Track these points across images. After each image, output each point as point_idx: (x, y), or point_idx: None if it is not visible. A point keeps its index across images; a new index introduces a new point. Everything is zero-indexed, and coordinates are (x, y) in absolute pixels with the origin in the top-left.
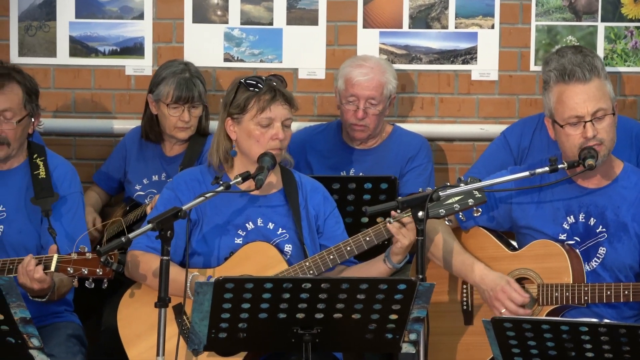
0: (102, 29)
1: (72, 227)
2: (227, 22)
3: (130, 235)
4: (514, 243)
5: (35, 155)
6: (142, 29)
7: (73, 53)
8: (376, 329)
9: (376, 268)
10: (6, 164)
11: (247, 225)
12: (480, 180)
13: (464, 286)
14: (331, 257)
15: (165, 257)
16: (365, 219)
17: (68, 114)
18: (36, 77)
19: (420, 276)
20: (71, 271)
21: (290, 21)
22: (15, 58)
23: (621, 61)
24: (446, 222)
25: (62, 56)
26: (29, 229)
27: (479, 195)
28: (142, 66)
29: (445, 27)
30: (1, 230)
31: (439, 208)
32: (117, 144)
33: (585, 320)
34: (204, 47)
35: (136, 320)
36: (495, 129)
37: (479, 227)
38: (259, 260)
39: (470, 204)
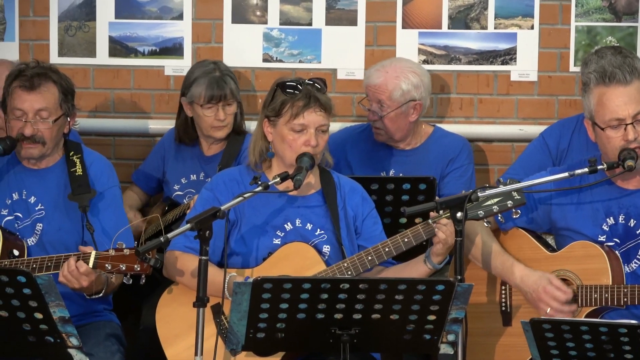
0: (141, 29)
1: (111, 223)
2: (266, 23)
3: (169, 235)
4: (553, 244)
5: (71, 153)
6: (182, 30)
7: (112, 53)
8: (414, 329)
9: (416, 269)
10: (42, 162)
11: (285, 225)
12: (519, 182)
13: (503, 287)
14: (369, 258)
15: (203, 257)
16: (403, 220)
17: (107, 114)
18: (75, 77)
19: (459, 277)
20: (109, 267)
21: (329, 21)
22: (55, 58)
23: None
24: (485, 224)
25: (102, 56)
26: (68, 226)
27: (518, 197)
28: (181, 66)
29: (484, 27)
30: (40, 228)
31: (477, 210)
32: (156, 144)
33: (624, 321)
34: (243, 47)
35: (175, 320)
36: (534, 129)
37: (517, 228)
38: (297, 261)
39: (509, 205)
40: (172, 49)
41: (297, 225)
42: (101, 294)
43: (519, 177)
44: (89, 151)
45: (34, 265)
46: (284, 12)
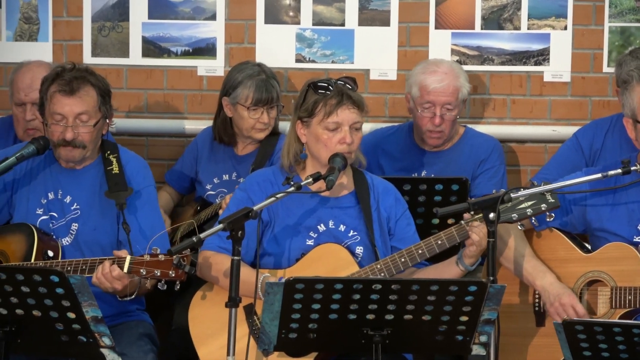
0: (174, 30)
1: (147, 222)
2: (299, 23)
3: (202, 235)
4: (588, 245)
5: (107, 152)
6: (215, 30)
7: (146, 53)
8: (446, 330)
9: (448, 270)
10: (80, 164)
11: (318, 226)
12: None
13: None
14: (402, 260)
15: (236, 258)
16: (436, 221)
17: (140, 114)
18: (109, 77)
19: (491, 278)
20: (144, 273)
21: (362, 22)
22: (88, 58)
23: None
24: (519, 227)
25: (135, 57)
26: (103, 226)
27: (552, 201)
28: (214, 67)
29: (517, 28)
30: (76, 228)
31: (511, 213)
32: (189, 144)
33: None
34: (275, 48)
35: (207, 320)
36: (567, 130)
37: (552, 228)
38: (330, 262)
39: (543, 209)
40: (205, 50)
41: (330, 226)
42: (133, 296)
43: (552, 178)
44: (125, 150)
45: (68, 268)
46: (316, 12)
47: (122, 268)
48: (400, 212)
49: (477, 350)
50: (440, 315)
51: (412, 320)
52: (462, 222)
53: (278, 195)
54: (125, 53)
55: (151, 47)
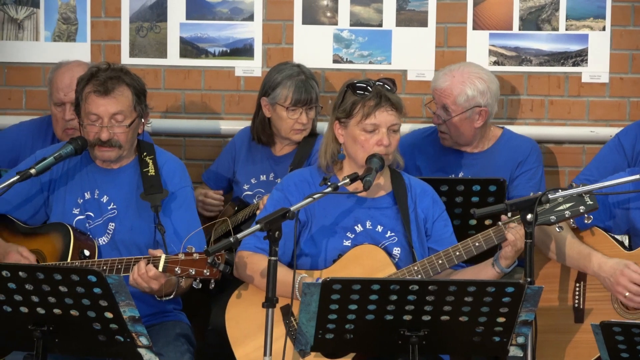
0: (212, 30)
1: (182, 223)
2: (336, 24)
3: (239, 235)
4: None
5: (144, 154)
6: (252, 30)
7: (183, 54)
8: (483, 331)
9: (484, 272)
10: (116, 163)
11: (355, 227)
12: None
13: (577, 284)
14: (440, 261)
15: (272, 258)
16: (473, 222)
17: (178, 115)
18: (146, 77)
19: (529, 279)
20: (179, 271)
21: (400, 23)
22: (126, 59)
23: None
24: (557, 229)
25: (173, 57)
26: (140, 226)
27: (590, 202)
28: (252, 67)
29: (555, 28)
30: (112, 227)
31: (549, 215)
32: (227, 144)
33: None
34: (313, 48)
35: (244, 320)
36: (605, 131)
37: (595, 227)
38: (368, 263)
39: (581, 211)
40: (242, 50)
41: (367, 227)
42: (171, 296)
43: (593, 179)
44: (162, 151)
45: (104, 267)
46: (354, 13)
47: (157, 267)
48: (437, 213)
49: (514, 351)
50: (478, 317)
51: (449, 321)
52: (500, 223)
53: (315, 196)
54: (162, 53)
55: (189, 48)
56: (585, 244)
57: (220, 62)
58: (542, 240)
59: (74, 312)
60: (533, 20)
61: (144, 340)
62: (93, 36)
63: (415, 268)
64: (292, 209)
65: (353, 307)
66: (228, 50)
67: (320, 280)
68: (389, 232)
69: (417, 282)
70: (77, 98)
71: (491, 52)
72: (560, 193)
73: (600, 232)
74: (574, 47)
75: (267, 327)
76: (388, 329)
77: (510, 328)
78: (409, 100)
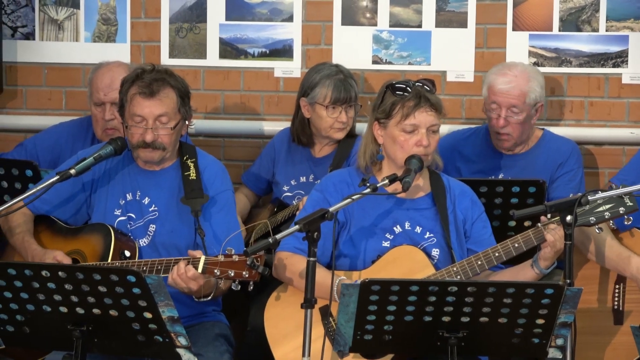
0: (251, 31)
1: (222, 227)
2: (376, 25)
3: (278, 236)
4: None
5: (186, 157)
6: (292, 31)
7: (223, 55)
8: (522, 333)
9: (523, 273)
10: (158, 165)
11: (394, 228)
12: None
13: (617, 286)
14: (479, 262)
15: (311, 259)
16: (512, 223)
17: (217, 116)
18: (186, 78)
19: (568, 281)
20: (218, 273)
21: (439, 24)
22: (165, 60)
23: None
24: (596, 231)
25: (212, 58)
26: (180, 228)
27: (631, 204)
28: (291, 68)
29: (595, 30)
30: (153, 229)
31: (589, 216)
32: (266, 145)
33: None
34: (352, 49)
35: (283, 321)
36: None
37: (635, 229)
38: (406, 264)
39: (621, 212)
40: (282, 51)
41: (406, 228)
42: (209, 297)
43: (631, 181)
44: (203, 154)
45: (144, 268)
46: (393, 14)
47: (196, 268)
48: (476, 215)
49: (553, 353)
50: (517, 318)
51: (487, 322)
52: (539, 224)
53: (354, 197)
54: (202, 54)
55: (228, 49)
56: (625, 245)
57: (260, 63)
58: (581, 241)
59: (113, 312)
60: (573, 21)
61: (182, 341)
62: (133, 37)
63: (455, 269)
64: (331, 209)
65: (392, 308)
66: (267, 51)
67: (358, 282)
68: (427, 233)
69: (456, 283)
70: (121, 99)
71: (531, 53)
72: (600, 195)
73: (639, 232)
74: (614, 48)
75: (305, 327)
76: (427, 330)
77: (550, 330)
78: (449, 101)
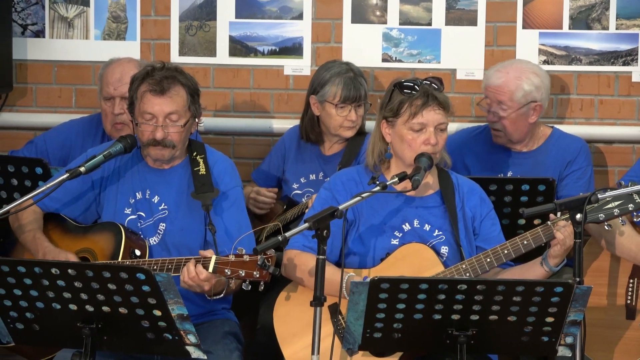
0: (261, 29)
1: (233, 223)
2: (385, 23)
3: (287, 234)
4: None
5: (195, 153)
6: (301, 29)
7: (232, 53)
8: (532, 331)
9: (533, 271)
10: (168, 163)
11: (403, 226)
12: None
13: (631, 280)
14: (488, 260)
15: (321, 257)
16: (522, 221)
17: (227, 113)
18: (196, 76)
19: (578, 279)
20: (228, 273)
21: (449, 22)
22: (175, 57)
23: None
24: (606, 227)
25: (222, 56)
26: (190, 226)
27: (639, 200)
28: (301, 66)
29: (605, 28)
30: (163, 228)
31: (598, 213)
32: (276, 143)
33: None
34: (362, 47)
35: (292, 319)
36: None
37: None
38: (415, 261)
39: (630, 209)
40: (291, 49)
41: (415, 225)
42: (221, 296)
43: (639, 179)
44: (212, 151)
45: (154, 267)
46: (403, 12)
47: (207, 268)
48: (485, 212)
49: (562, 351)
50: (526, 316)
51: (497, 320)
52: (549, 222)
53: (364, 195)
54: (212, 52)
55: (238, 47)
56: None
57: (270, 61)
58: (598, 232)
59: (122, 310)
60: (583, 20)
61: (192, 338)
62: (143, 35)
63: (464, 266)
64: (340, 207)
65: (401, 306)
66: (277, 49)
67: (368, 279)
68: (436, 230)
69: (465, 281)
70: (131, 97)
71: (541, 51)
72: (610, 193)
73: None
74: (624, 47)
75: (315, 325)
76: (436, 328)
77: (559, 328)
78: (458, 99)
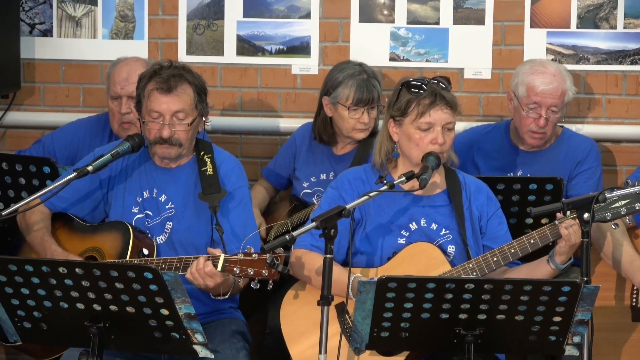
0: (269, 28)
1: (239, 223)
2: (393, 22)
3: (295, 233)
4: None
5: (202, 153)
6: (309, 28)
7: (240, 52)
8: (539, 330)
9: (539, 269)
10: (175, 162)
11: (410, 225)
12: None
13: None
14: (495, 259)
15: (328, 256)
16: (529, 220)
17: (234, 112)
18: (203, 75)
19: (585, 278)
20: (237, 271)
21: (457, 21)
22: (183, 56)
23: None
24: (612, 226)
25: (230, 55)
26: (197, 226)
27: None
28: (309, 65)
29: (613, 27)
30: (170, 227)
31: (605, 212)
32: (286, 141)
33: None
34: (370, 46)
35: (299, 318)
36: None
37: None
38: (422, 260)
39: (637, 207)
40: (299, 48)
41: (422, 224)
42: (226, 296)
43: None
44: (219, 150)
45: (163, 266)
46: (411, 11)
47: (215, 266)
48: (492, 211)
49: (570, 350)
50: (533, 316)
51: (504, 320)
52: (556, 221)
53: (371, 194)
54: (219, 51)
55: (246, 46)
56: None
57: (277, 60)
58: (595, 239)
59: (130, 309)
60: (591, 19)
61: (199, 337)
62: (150, 34)
63: (470, 265)
64: (348, 206)
65: (408, 305)
66: (285, 48)
67: (375, 279)
68: (443, 229)
69: (473, 280)
70: (138, 95)
71: (549, 51)
72: (617, 192)
73: None
74: (632, 46)
75: (322, 324)
76: (443, 327)
77: (567, 327)
78: (466, 98)
